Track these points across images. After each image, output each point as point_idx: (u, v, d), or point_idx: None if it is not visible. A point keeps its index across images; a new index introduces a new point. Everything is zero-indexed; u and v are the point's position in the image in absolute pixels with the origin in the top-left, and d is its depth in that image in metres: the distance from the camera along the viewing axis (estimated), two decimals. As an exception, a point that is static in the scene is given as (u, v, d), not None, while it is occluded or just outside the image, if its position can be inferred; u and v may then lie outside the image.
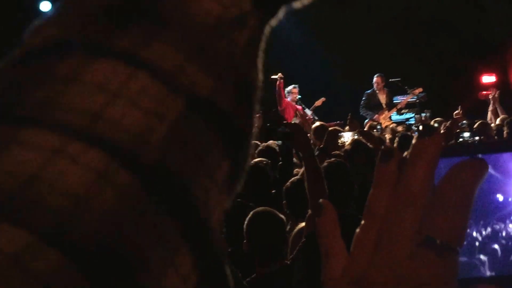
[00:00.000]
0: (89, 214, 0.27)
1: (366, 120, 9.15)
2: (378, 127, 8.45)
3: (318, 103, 9.51)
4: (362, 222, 0.42)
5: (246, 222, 2.81)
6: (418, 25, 10.52)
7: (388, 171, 0.41)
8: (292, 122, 9.16)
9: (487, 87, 8.52)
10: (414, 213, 0.39)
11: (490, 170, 0.43)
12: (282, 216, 2.93)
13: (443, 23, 10.12)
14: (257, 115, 0.37)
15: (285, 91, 9.54)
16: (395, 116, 9.62)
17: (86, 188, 0.27)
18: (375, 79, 9.39)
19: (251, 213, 2.86)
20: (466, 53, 9.57)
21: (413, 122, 9.09)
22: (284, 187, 3.55)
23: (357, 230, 0.42)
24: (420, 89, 9.16)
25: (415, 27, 10.53)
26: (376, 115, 9.15)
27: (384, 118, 9.21)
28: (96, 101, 0.29)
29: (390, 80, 9.43)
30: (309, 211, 2.80)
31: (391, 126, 8.89)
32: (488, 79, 9.03)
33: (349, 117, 7.68)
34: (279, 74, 9.39)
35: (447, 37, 10.08)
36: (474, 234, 0.47)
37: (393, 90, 9.55)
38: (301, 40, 11.40)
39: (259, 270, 2.78)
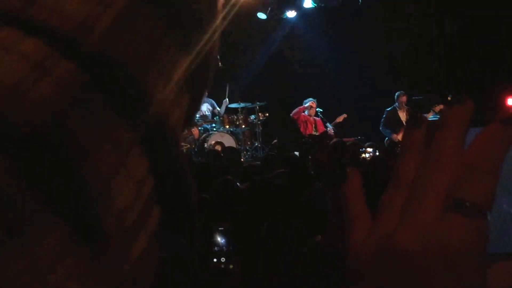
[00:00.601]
0: (22, 103, 0.24)
1: (386, 139, 9.10)
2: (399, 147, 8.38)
3: (339, 119, 9.48)
4: (388, 187, 0.42)
5: (264, 229, 2.88)
6: (442, 45, 10.44)
7: (417, 136, 0.42)
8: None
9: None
10: (444, 177, 0.39)
11: None
12: (297, 226, 2.98)
13: (469, 42, 10.03)
14: None
15: (303, 105, 9.56)
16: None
17: (20, 78, 0.25)
18: (400, 97, 9.31)
19: (268, 221, 2.92)
20: (492, 74, 9.47)
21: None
22: (299, 202, 3.58)
23: (383, 195, 0.42)
24: (441, 106, 9.08)
25: (438, 46, 10.46)
26: (394, 135, 9.09)
27: (404, 136, 9.13)
28: None
29: (413, 98, 9.36)
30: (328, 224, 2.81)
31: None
32: (513, 101, 8.92)
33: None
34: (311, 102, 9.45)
35: (472, 56, 9.99)
36: (505, 207, 0.46)
37: (415, 109, 9.47)
38: (323, 56, 11.42)
39: (271, 276, 2.83)
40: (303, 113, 9.55)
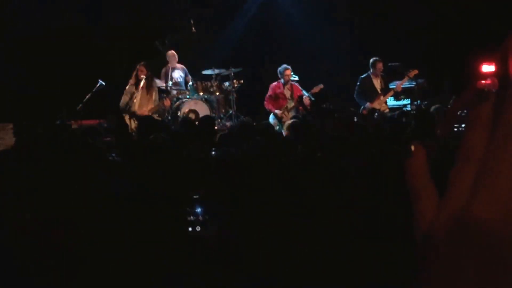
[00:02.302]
0: None
1: (362, 107, 9.04)
2: (376, 114, 8.40)
3: (316, 90, 9.34)
4: (457, 162, 0.42)
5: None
6: (418, 12, 10.43)
7: (484, 110, 0.42)
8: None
9: (486, 76, 8.47)
10: None
11: None
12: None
13: (444, 9, 10.04)
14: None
15: (278, 72, 9.34)
16: (392, 102, 9.53)
17: None
18: (376, 64, 9.15)
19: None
20: (466, 41, 9.51)
21: (409, 108, 9.03)
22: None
23: (452, 170, 0.42)
24: (416, 71, 9.05)
25: (415, 13, 10.45)
26: (368, 103, 9.03)
27: (379, 104, 9.11)
28: None
29: (389, 64, 9.29)
30: None
31: (382, 111, 8.84)
32: (487, 68, 8.97)
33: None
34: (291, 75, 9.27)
35: (447, 24, 10.01)
36: None
37: (391, 75, 9.43)
38: (300, 22, 11.32)
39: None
40: (277, 83, 9.34)
